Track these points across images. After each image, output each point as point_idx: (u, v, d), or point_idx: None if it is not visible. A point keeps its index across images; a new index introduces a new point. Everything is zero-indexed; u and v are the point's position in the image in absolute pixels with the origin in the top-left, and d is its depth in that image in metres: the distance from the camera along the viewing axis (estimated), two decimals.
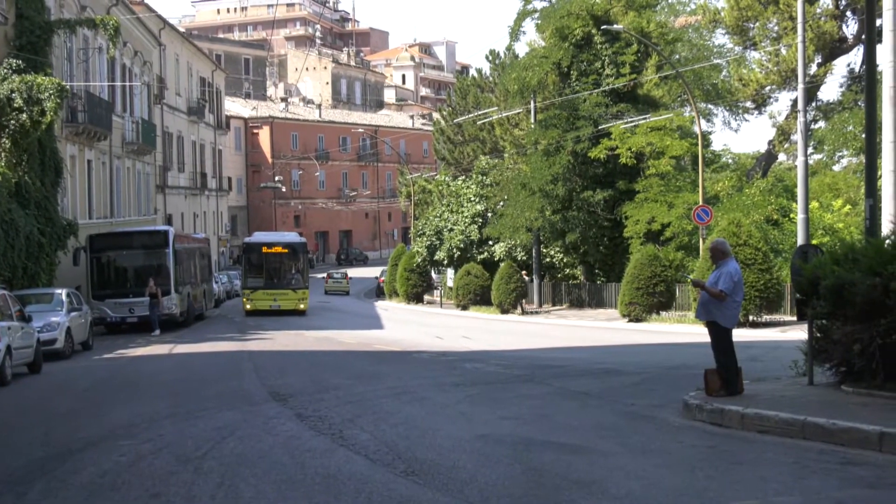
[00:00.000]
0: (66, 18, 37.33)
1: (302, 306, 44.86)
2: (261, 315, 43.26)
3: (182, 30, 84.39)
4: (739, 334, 21.95)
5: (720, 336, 13.21)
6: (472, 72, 79.19)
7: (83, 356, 26.92)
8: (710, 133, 49.29)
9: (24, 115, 30.45)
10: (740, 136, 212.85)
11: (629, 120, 39.70)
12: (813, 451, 10.00)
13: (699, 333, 22.87)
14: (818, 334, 13.02)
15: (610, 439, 11.04)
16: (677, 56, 42.11)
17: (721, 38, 48.01)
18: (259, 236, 51.05)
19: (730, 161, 54.25)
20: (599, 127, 40.17)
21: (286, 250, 46.74)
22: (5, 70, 31.27)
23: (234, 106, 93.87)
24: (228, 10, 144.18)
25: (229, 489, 9.12)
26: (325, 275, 71.65)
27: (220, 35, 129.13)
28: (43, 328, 24.45)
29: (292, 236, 51.26)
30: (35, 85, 30.79)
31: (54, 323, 25.76)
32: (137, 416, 14.16)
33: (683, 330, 30.88)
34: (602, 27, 40.32)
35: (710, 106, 44.63)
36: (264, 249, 46.18)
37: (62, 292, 28.02)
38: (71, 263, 34.70)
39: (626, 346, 26.35)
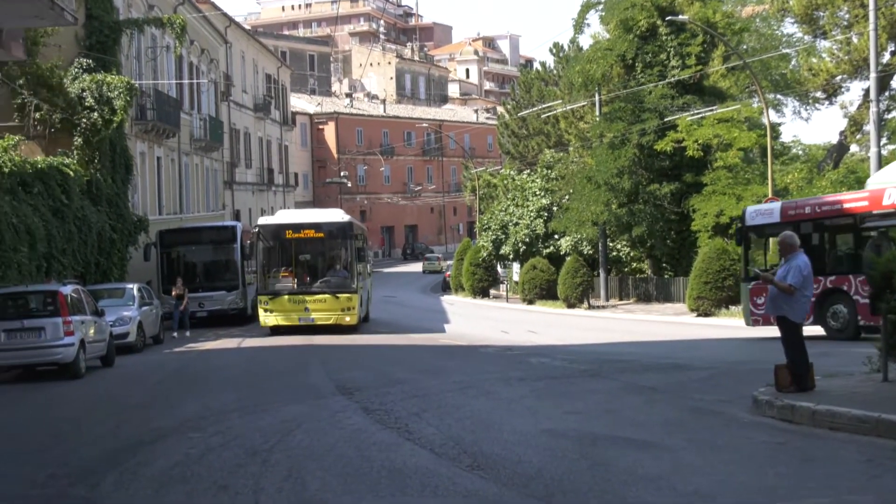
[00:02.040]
0: (135, 18, 37.84)
1: (349, 319, 29.85)
2: (288, 332, 29.79)
3: (248, 27, 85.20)
4: (811, 329, 21.44)
5: (790, 331, 13.02)
6: (536, 65, 78.99)
7: (154, 350, 27.35)
8: (779, 124, 48.59)
9: (95, 114, 31.01)
10: (811, 127, 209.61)
11: (696, 112, 39.27)
12: (887, 449, 9.80)
13: (769, 328, 22.45)
14: (892, 329, 12.75)
15: (677, 435, 10.93)
16: (744, 46, 41.57)
17: (790, 28, 47.38)
18: (282, 216, 34.04)
19: (800, 152, 53.44)
20: (665, 119, 39.79)
21: (321, 234, 31.27)
22: (76, 69, 31.83)
23: (300, 102, 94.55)
24: (293, 7, 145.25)
25: (296, 482, 9.20)
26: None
27: (285, 32, 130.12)
28: (115, 322, 24.87)
29: (331, 214, 33.47)
30: (105, 84, 31.33)
31: (126, 317, 26.20)
32: (206, 408, 14.34)
33: None
34: (667, 18, 39.94)
35: (778, 96, 44.01)
36: (288, 234, 30.96)
37: (133, 287, 28.49)
38: (142, 259, 35.21)
39: (693, 341, 26.08)
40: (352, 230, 31.11)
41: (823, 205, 23.86)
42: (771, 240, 26.03)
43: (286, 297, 29.91)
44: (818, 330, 23.15)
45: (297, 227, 31.06)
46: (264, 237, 30.78)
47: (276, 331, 29.89)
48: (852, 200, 23.32)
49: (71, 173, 29.14)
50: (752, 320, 24.88)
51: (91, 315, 21.46)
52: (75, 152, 30.92)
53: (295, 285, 30.47)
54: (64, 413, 15.69)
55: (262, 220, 32.29)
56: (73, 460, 10.87)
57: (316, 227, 31.13)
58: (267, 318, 30.13)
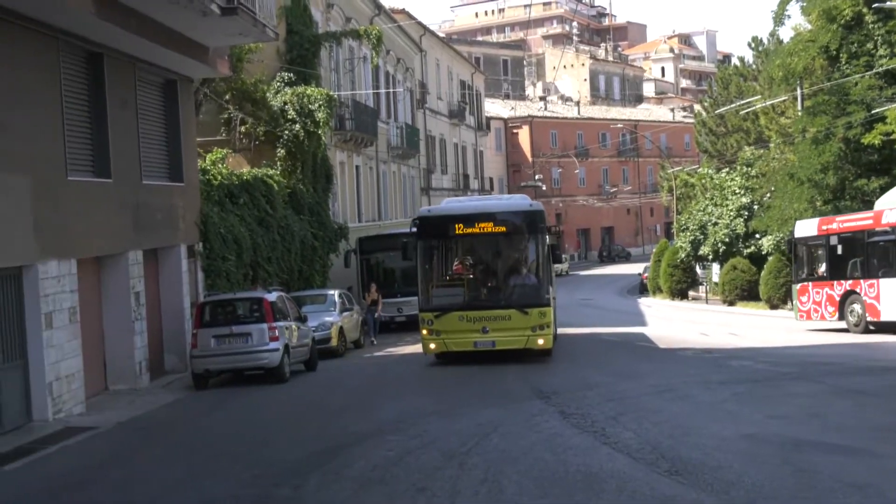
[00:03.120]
0: (333, 31, 38.91)
1: (542, 341, 21.86)
2: (461, 362, 22.21)
3: (441, 35, 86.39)
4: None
5: None
6: (734, 60, 76.94)
7: (355, 354, 27.99)
8: None
9: (298, 126, 32.09)
10: None
11: None
12: None
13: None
14: None
15: (889, 441, 10.43)
16: None
17: None
18: (450, 204, 26.21)
19: None
20: (873, 111, 38.06)
21: (503, 227, 22.80)
22: (278, 83, 33.02)
23: (494, 107, 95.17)
24: (486, 13, 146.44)
25: (492, 485, 9.25)
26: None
27: (479, 38, 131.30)
28: (318, 328, 25.58)
29: (514, 200, 25.89)
30: (306, 96, 32.37)
31: (328, 323, 26.88)
32: (404, 412, 14.59)
33: None
34: (874, 5, 38.17)
35: None
36: (459, 229, 22.81)
37: (335, 293, 29.23)
38: (342, 265, 36.10)
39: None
40: (543, 220, 22.67)
41: (844, 221, 29.04)
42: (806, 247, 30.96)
43: (456, 314, 21.72)
44: (841, 324, 27.96)
45: (470, 219, 22.45)
46: (426, 232, 22.48)
47: (445, 358, 22.36)
48: (862, 219, 28.20)
49: (275, 184, 30.20)
50: (798, 315, 30.64)
51: (294, 321, 22.15)
52: (278, 163, 32.02)
53: (468, 298, 22.32)
54: (269, 416, 16.26)
55: (424, 211, 24.24)
56: (278, 461, 11.26)
57: (495, 217, 22.53)
58: (431, 343, 21.83)
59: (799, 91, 44.04)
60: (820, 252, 29.93)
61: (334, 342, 26.77)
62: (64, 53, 17.50)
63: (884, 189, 38.49)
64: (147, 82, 21.65)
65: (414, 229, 22.21)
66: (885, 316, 26.27)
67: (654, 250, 64.03)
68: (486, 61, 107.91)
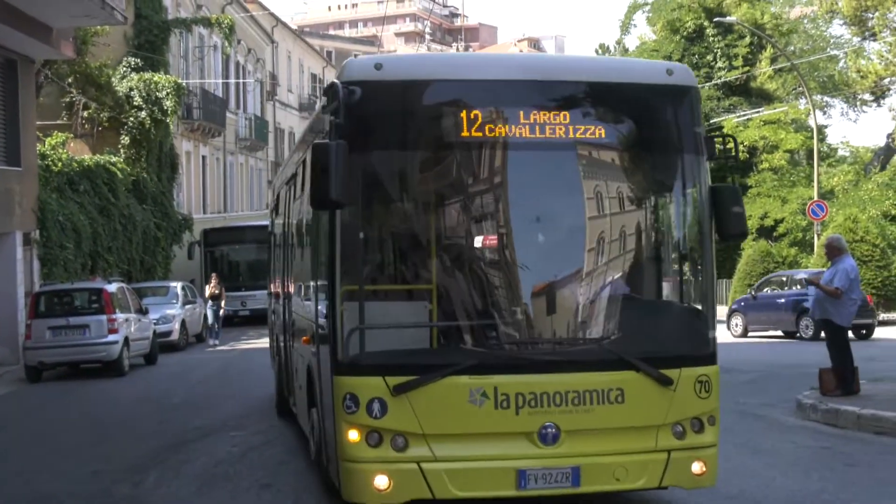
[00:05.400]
0: (183, 18, 38.13)
1: (699, 468, 7.38)
2: None
3: (294, 27, 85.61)
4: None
5: (835, 334, 12.89)
6: None
7: (197, 348, 27.50)
8: (826, 126, 47.94)
9: (144, 113, 31.32)
10: (859, 129, 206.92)
11: (742, 113, 38.99)
12: None
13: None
14: None
15: (721, 438, 10.83)
16: (792, 48, 41.22)
17: (838, 29, 46.81)
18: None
19: (847, 154, 52.84)
20: (711, 121, 39.53)
21: (598, 128, 7.40)
22: (124, 68, 32.19)
23: None
24: (340, 7, 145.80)
25: None
26: None
27: (331, 32, 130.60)
28: (159, 320, 24.99)
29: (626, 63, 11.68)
30: (153, 83, 31.64)
31: (170, 315, 26.33)
32: (249, 407, 14.43)
33: None
34: (715, 19, 39.68)
35: (826, 98, 43.52)
36: (471, 122, 7.11)
37: (177, 285, 28.64)
38: (186, 257, 35.44)
39: (736, 344, 25.83)
40: (698, 115, 7.98)
41: None
42: None
43: (462, 382, 7.05)
44: None
45: (508, 96, 7.40)
46: (366, 118, 7.22)
47: None
48: None
49: (118, 172, 29.41)
50: None
51: (135, 313, 21.64)
52: (122, 151, 31.22)
53: (502, 336, 7.27)
54: (108, 411, 15.83)
55: (363, 61, 7.50)
56: (117, 457, 10.98)
57: (583, 92, 7.66)
58: (375, 470, 7.05)
59: None
60: None
61: (176, 335, 26.26)
62: None
63: None
64: None
65: (330, 113, 7.36)
66: None
67: None
68: (338, 56, 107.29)
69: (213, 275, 30.48)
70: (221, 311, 29.24)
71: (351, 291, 7.09)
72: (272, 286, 14.94)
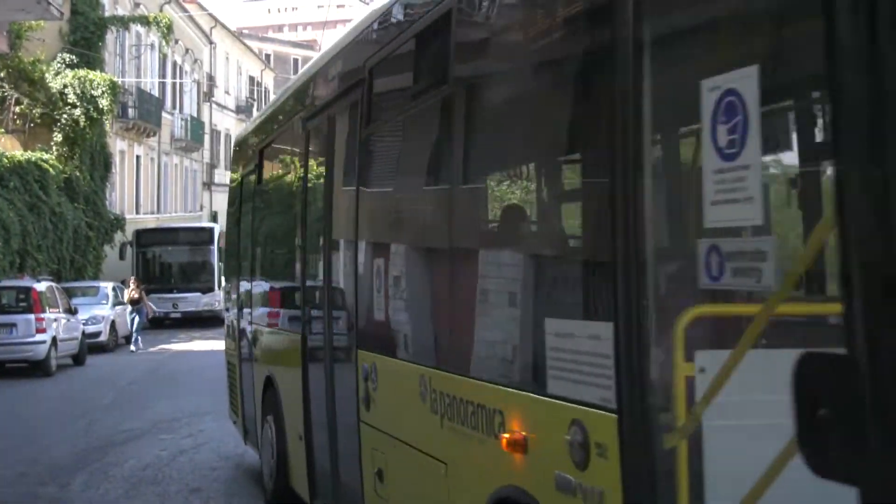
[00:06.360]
0: (120, 15, 37.75)
1: None
2: None
3: (233, 28, 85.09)
4: None
5: None
6: None
7: (126, 349, 27.15)
8: None
9: (77, 111, 30.90)
10: None
11: None
12: None
13: None
14: None
15: None
16: None
17: None
18: None
19: None
20: None
21: None
22: (59, 65, 31.72)
23: None
24: (279, 10, 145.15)
25: None
26: None
27: (270, 34, 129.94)
28: (88, 321, 24.68)
29: None
30: (87, 81, 31.24)
31: (99, 316, 26.03)
32: (179, 410, 14.30)
33: None
34: None
35: None
36: None
37: (108, 286, 28.32)
38: (117, 257, 35.05)
39: None
40: None
41: None
42: None
43: None
44: None
45: None
46: None
47: None
48: None
49: (49, 169, 28.96)
50: None
51: (64, 313, 21.35)
52: (54, 148, 30.76)
53: None
54: (34, 411, 15.58)
55: None
56: (44, 459, 10.82)
57: None
58: None
59: None
60: None
61: (105, 336, 25.99)
62: None
63: None
64: None
65: None
66: None
67: None
68: (276, 59, 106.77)
69: (132, 278, 29.59)
70: (149, 315, 28.72)
71: None
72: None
